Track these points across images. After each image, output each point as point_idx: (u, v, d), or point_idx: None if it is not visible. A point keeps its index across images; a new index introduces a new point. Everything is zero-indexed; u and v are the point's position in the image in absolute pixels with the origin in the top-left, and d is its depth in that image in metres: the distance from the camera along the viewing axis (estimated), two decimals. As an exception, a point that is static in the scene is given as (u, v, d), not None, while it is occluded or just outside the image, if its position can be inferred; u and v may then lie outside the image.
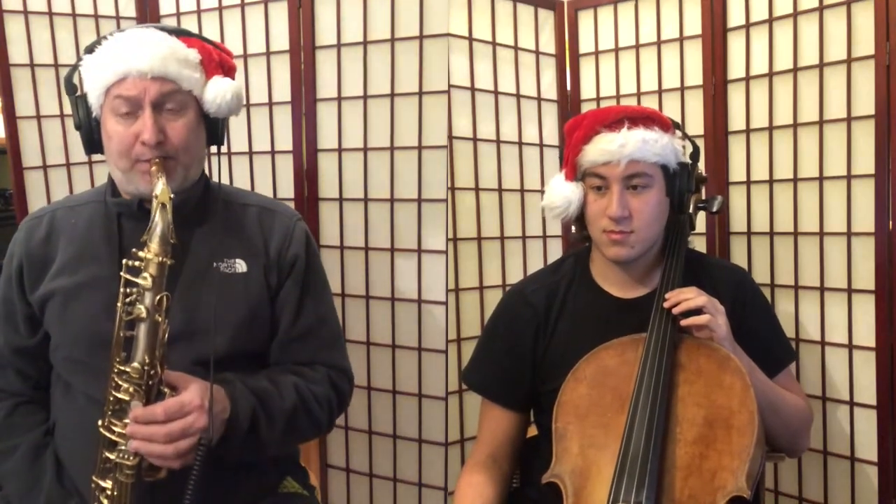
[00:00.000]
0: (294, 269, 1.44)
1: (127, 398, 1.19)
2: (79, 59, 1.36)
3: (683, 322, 1.39)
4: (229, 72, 1.39)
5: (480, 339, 1.66)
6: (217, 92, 1.35)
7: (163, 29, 1.35)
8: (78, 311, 1.36)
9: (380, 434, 2.21)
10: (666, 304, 1.41)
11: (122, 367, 1.20)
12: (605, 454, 1.31)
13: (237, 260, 1.40)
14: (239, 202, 1.48)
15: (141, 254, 1.20)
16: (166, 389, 1.21)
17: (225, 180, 2.22)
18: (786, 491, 2.04)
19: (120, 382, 1.20)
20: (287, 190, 2.19)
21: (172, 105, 1.32)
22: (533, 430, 1.71)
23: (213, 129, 1.40)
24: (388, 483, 2.22)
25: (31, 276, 1.40)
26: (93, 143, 1.36)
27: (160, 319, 1.20)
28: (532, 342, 1.55)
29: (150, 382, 1.20)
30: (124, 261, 1.22)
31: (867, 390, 1.87)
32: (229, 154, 2.22)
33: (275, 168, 2.21)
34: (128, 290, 1.21)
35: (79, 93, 1.35)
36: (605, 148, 1.44)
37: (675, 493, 1.25)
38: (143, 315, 1.19)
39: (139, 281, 1.19)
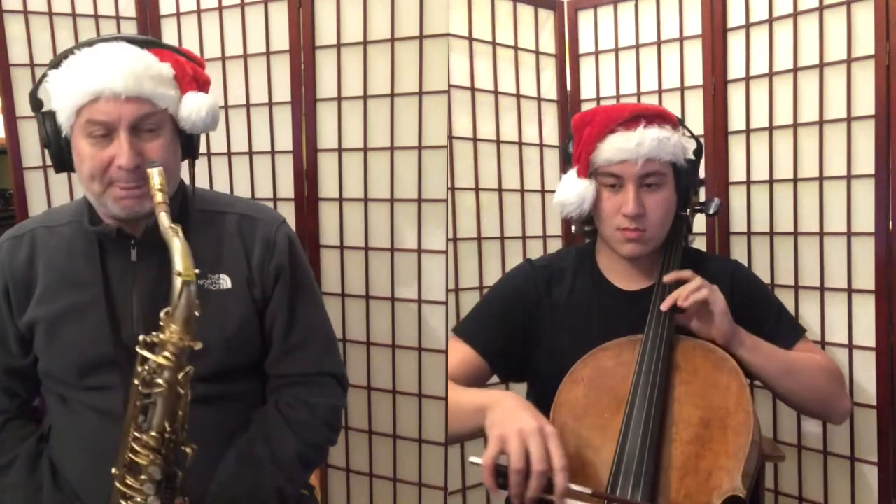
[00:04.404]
0: (279, 280, 1.41)
1: (145, 463, 1.15)
2: (44, 74, 1.29)
3: (685, 304, 1.40)
4: (203, 86, 1.35)
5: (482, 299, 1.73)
6: (192, 109, 1.30)
7: (132, 41, 1.30)
8: (62, 342, 1.34)
9: (380, 434, 2.21)
10: (664, 307, 1.42)
11: (139, 435, 1.15)
12: (601, 455, 1.31)
13: (221, 275, 1.37)
14: (217, 210, 1.43)
15: (162, 333, 1.13)
16: (188, 450, 1.16)
17: (225, 181, 2.22)
18: (786, 491, 2.04)
19: (137, 448, 1.15)
20: (287, 190, 2.19)
21: (148, 126, 1.27)
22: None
23: (188, 143, 1.36)
24: (388, 483, 2.22)
25: (17, 298, 1.38)
26: (63, 162, 1.31)
27: (183, 392, 1.14)
28: (528, 313, 1.57)
29: (171, 446, 1.15)
30: (140, 337, 1.14)
31: (867, 390, 1.87)
32: (229, 154, 2.22)
33: (275, 168, 2.21)
34: (146, 367, 1.14)
35: (45, 108, 1.29)
36: (621, 146, 1.45)
37: (671, 493, 1.25)
38: (163, 388, 1.13)
39: (158, 360, 1.12)
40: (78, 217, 1.40)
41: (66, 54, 1.28)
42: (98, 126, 1.24)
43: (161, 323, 1.13)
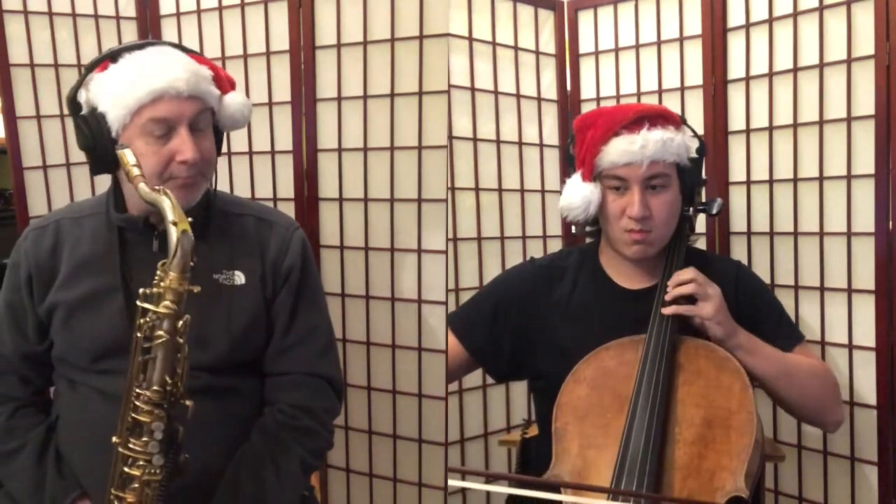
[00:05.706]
0: (289, 279, 1.45)
1: (148, 421, 1.17)
2: (82, 77, 1.32)
3: (668, 297, 1.44)
4: (233, 87, 1.43)
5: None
6: (237, 108, 1.39)
7: (173, 46, 1.36)
8: (79, 326, 1.38)
9: (379, 434, 2.21)
10: (666, 312, 1.42)
11: (142, 392, 1.17)
12: (604, 455, 1.31)
13: (235, 272, 1.41)
14: (235, 212, 1.48)
15: (160, 283, 1.16)
16: (188, 403, 1.18)
17: (225, 181, 2.22)
18: (786, 491, 2.04)
19: (139, 405, 1.17)
20: (287, 190, 2.19)
21: (200, 125, 1.34)
22: (533, 430, 1.72)
23: (220, 140, 1.43)
24: (388, 483, 2.22)
25: (39, 285, 1.41)
26: (108, 163, 1.31)
27: (182, 341, 1.18)
28: (523, 315, 1.58)
29: (172, 400, 1.18)
30: (141, 290, 1.18)
31: (867, 390, 1.87)
32: (229, 154, 2.22)
33: (275, 168, 2.20)
34: (146, 319, 1.18)
35: (84, 111, 1.32)
36: (626, 149, 1.45)
37: (674, 494, 1.26)
38: (164, 339, 1.16)
39: (159, 310, 1.16)
40: (100, 208, 1.44)
41: (112, 56, 1.31)
42: (159, 124, 1.28)
43: (159, 273, 1.17)
